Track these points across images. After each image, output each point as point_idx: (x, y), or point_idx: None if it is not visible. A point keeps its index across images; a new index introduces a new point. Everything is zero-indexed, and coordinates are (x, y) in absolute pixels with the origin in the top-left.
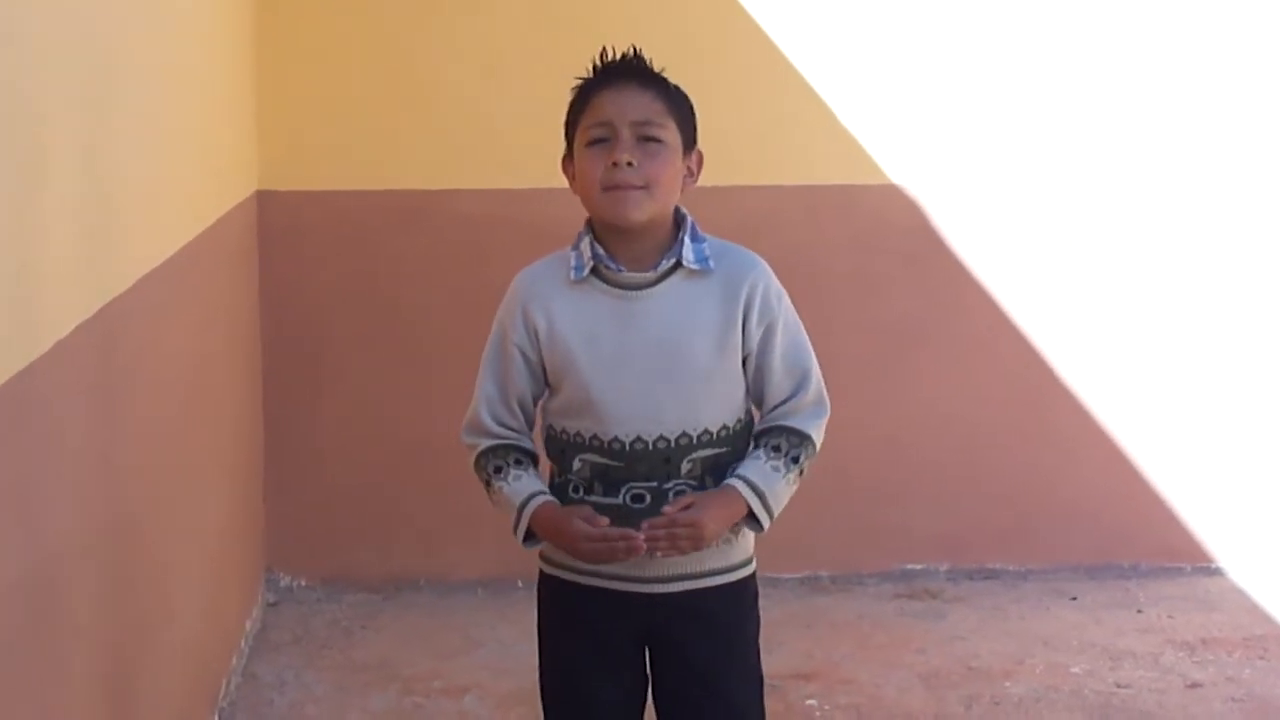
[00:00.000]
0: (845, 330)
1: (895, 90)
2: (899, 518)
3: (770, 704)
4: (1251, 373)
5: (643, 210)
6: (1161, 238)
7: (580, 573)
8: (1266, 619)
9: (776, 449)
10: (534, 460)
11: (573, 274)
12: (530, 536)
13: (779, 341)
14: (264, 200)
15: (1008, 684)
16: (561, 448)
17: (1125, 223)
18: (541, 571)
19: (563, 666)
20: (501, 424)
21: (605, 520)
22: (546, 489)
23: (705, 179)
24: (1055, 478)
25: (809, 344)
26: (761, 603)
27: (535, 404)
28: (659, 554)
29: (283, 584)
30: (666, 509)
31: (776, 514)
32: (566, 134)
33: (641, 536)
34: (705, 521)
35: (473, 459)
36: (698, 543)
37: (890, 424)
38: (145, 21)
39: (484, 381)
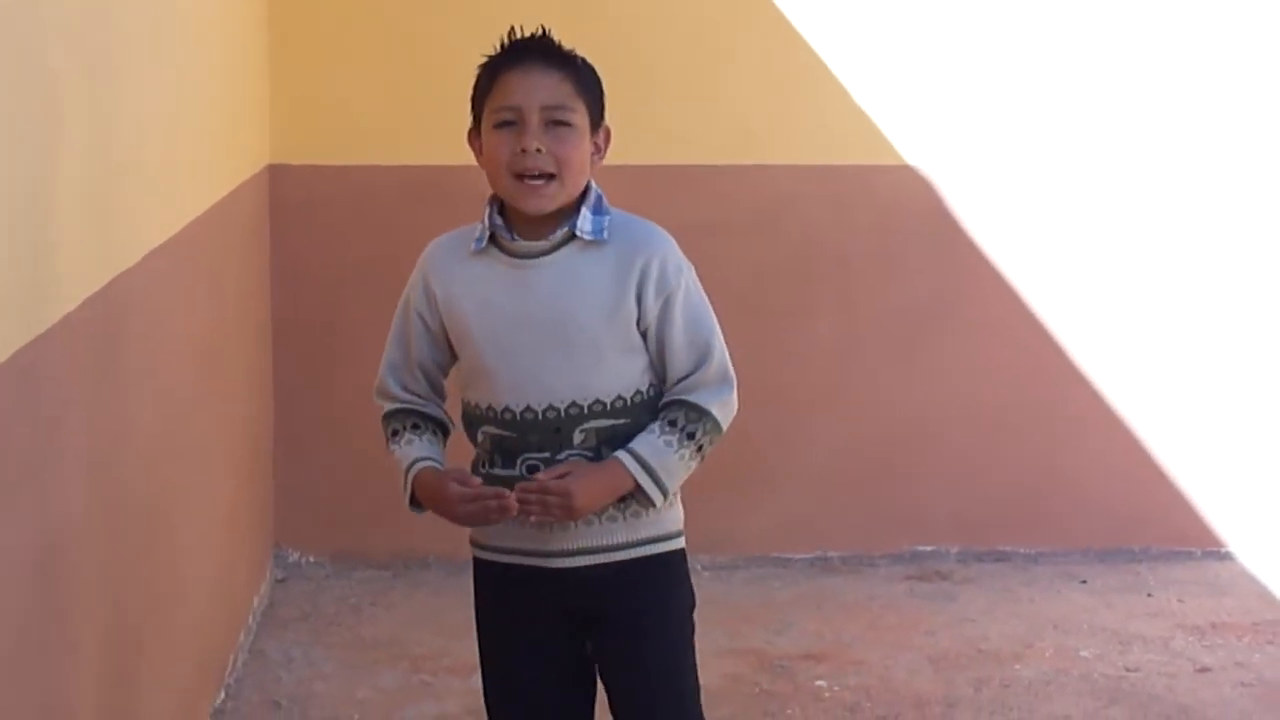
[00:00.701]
0: (863, 311)
1: (911, 71)
2: (910, 499)
3: (779, 684)
4: (1262, 358)
5: (554, 201)
6: (1175, 222)
7: (499, 551)
8: (1276, 604)
9: (672, 423)
10: (435, 427)
11: (474, 245)
12: (416, 503)
13: (679, 315)
14: (276, 174)
15: (1017, 666)
16: (470, 420)
17: (1139, 206)
18: (474, 557)
19: (495, 645)
20: (405, 388)
21: (478, 480)
22: (436, 457)
23: (725, 158)
24: (1067, 461)
25: (713, 318)
26: (773, 583)
27: (444, 373)
28: (532, 519)
29: (291, 560)
30: (539, 475)
31: (670, 489)
32: (473, 109)
33: (512, 497)
34: (576, 490)
35: (380, 419)
36: (569, 512)
37: (903, 405)
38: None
39: (389, 346)
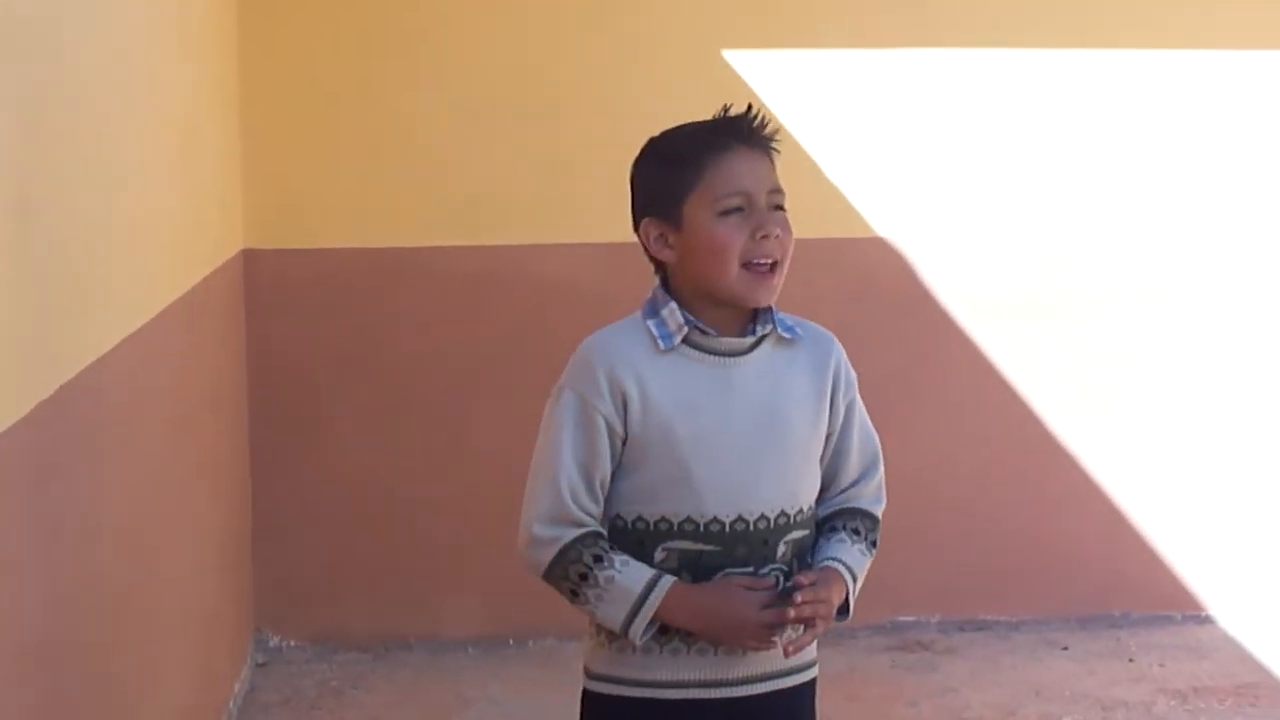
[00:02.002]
0: None
1: (881, 144)
2: (890, 570)
3: None
4: (1239, 423)
5: (775, 291)
6: (1147, 290)
7: (644, 685)
8: (1257, 667)
9: (858, 532)
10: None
11: (661, 343)
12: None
13: (857, 420)
14: (250, 259)
15: None
16: (639, 539)
17: (1111, 275)
18: (588, 691)
19: None
20: (585, 510)
21: (769, 581)
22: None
23: None
24: (1045, 528)
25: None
26: None
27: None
28: (788, 644)
29: (271, 644)
30: (800, 578)
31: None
32: (665, 195)
33: (792, 611)
34: (833, 596)
35: (552, 554)
36: (828, 622)
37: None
38: (132, 79)
39: (561, 459)
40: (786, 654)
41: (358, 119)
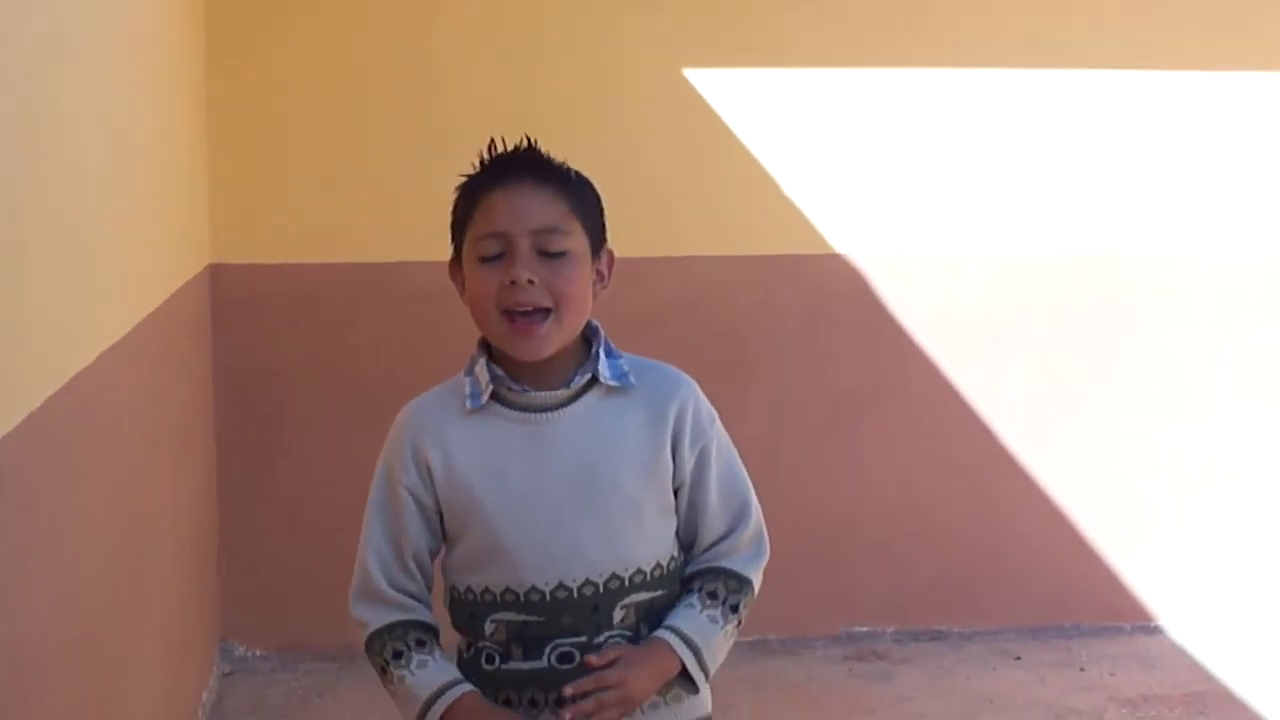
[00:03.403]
0: (796, 397)
1: (840, 162)
2: (845, 581)
3: None
4: (1187, 437)
5: (551, 344)
6: (1100, 306)
7: None
8: (1206, 676)
9: (713, 595)
10: (436, 636)
11: (469, 403)
12: None
13: (714, 470)
14: (217, 273)
15: None
16: (470, 610)
17: (1065, 292)
18: None
19: None
20: (398, 588)
21: None
22: (459, 675)
23: (658, 249)
24: (998, 541)
25: (744, 471)
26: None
27: (433, 560)
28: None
29: (238, 654)
30: (590, 658)
31: (713, 671)
32: (453, 236)
33: (567, 715)
34: (631, 679)
35: (364, 638)
36: (626, 706)
37: (837, 489)
38: (97, 95)
39: (372, 537)
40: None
41: (324, 135)
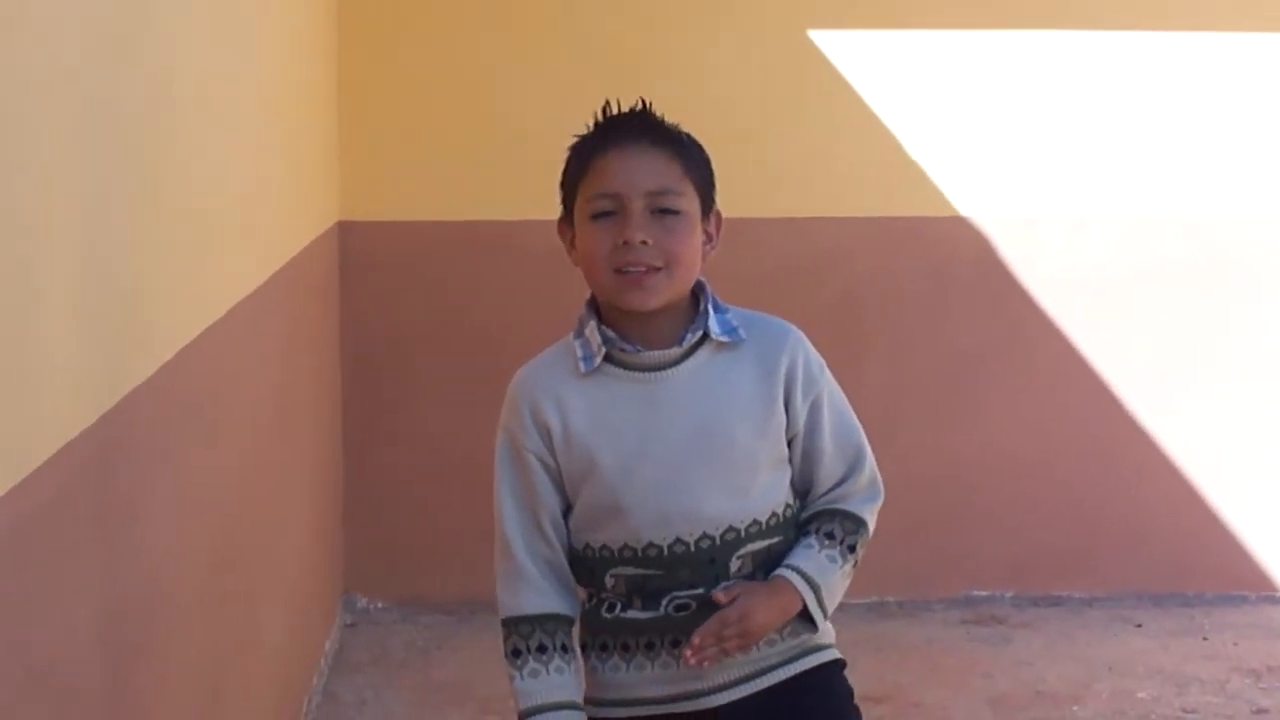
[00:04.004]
0: (915, 360)
1: (964, 124)
2: (966, 544)
3: None
4: None
5: (660, 296)
6: (1227, 267)
7: (623, 704)
8: None
9: (830, 535)
10: (565, 632)
11: (582, 365)
12: None
13: (827, 418)
14: (345, 230)
15: (1075, 708)
16: (590, 566)
17: (1191, 252)
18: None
19: None
20: (538, 557)
21: None
22: (571, 696)
23: (779, 209)
24: (1121, 506)
25: (855, 418)
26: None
27: (567, 523)
28: (706, 664)
29: (360, 606)
30: (716, 594)
31: (831, 610)
32: (563, 196)
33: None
34: (751, 613)
35: (500, 619)
36: (746, 639)
37: (957, 453)
38: (231, 56)
39: (505, 507)
40: (689, 664)
41: (451, 95)
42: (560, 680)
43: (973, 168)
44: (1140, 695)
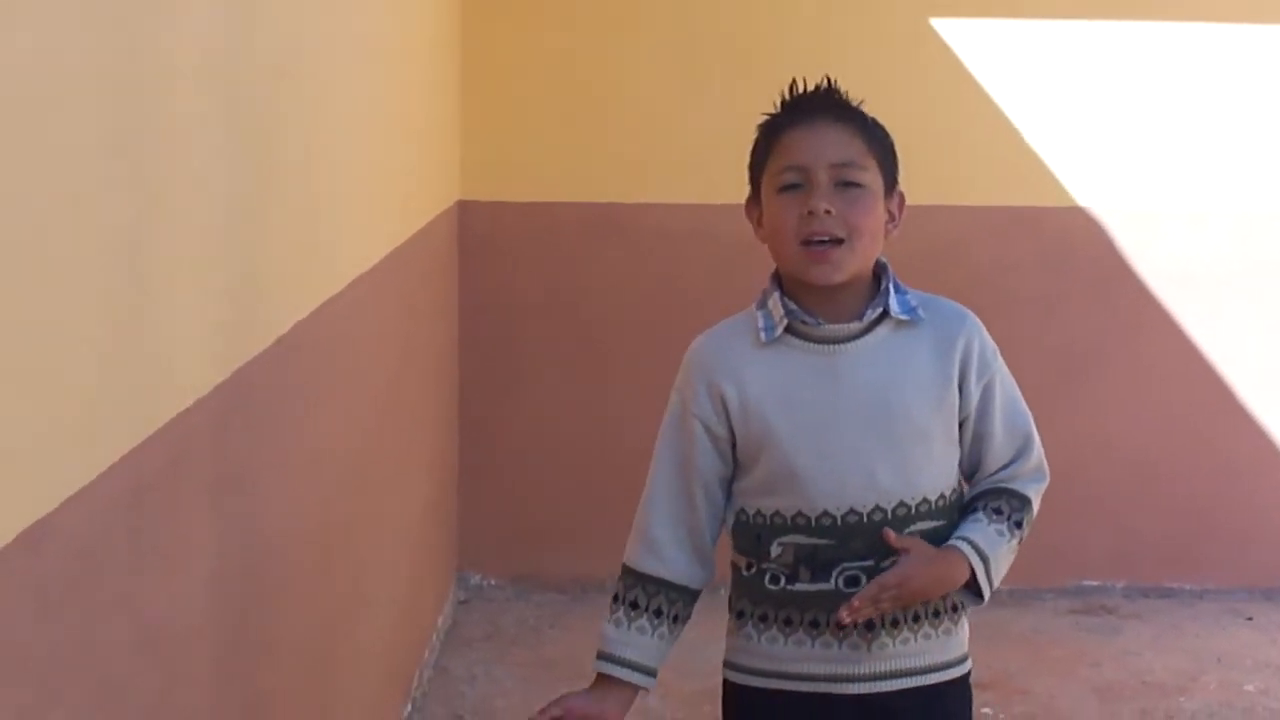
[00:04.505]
0: (1028, 350)
1: (1084, 115)
2: (1076, 535)
3: None
4: None
5: (844, 270)
6: None
7: (775, 676)
8: None
9: (998, 511)
10: (662, 597)
11: (763, 335)
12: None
13: (998, 402)
14: (465, 209)
15: (1182, 699)
16: (757, 533)
17: None
18: (727, 681)
19: None
20: (676, 521)
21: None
22: (648, 663)
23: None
24: (1233, 498)
25: (1025, 405)
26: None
27: (726, 492)
28: (858, 621)
29: (473, 583)
30: (889, 533)
31: (996, 584)
32: (751, 176)
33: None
34: (911, 578)
35: (622, 567)
36: (901, 602)
37: (1071, 443)
38: (358, 42)
39: (659, 468)
40: (842, 621)
41: (570, 80)
42: (638, 640)
43: (1092, 159)
44: (1247, 688)
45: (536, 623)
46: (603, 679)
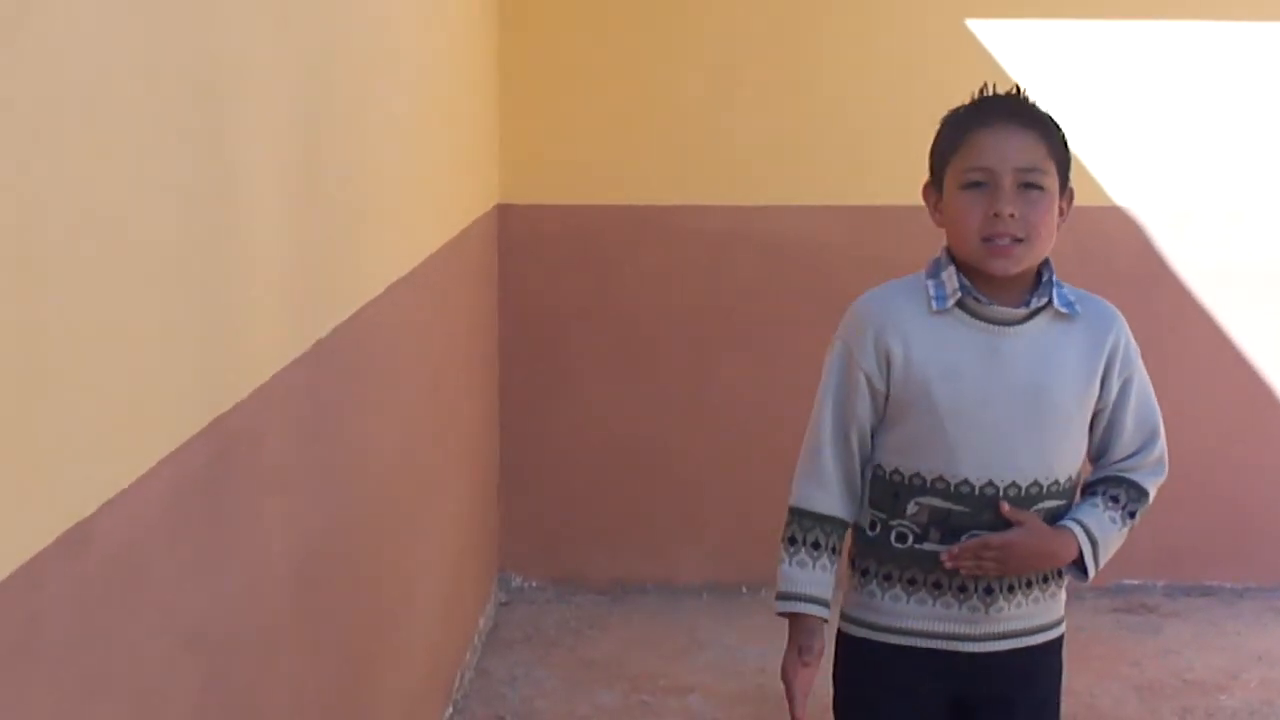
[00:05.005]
0: None
1: (1121, 115)
2: None
3: None
4: None
5: (1020, 265)
6: None
7: (895, 632)
8: None
9: (1115, 499)
10: (840, 537)
11: (934, 304)
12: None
13: (1134, 398)
14: (504, 213)
15: (1222, 697)
16: (895, 490)
17: None
18: (842, 633)
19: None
20: (839, 461)
21: (804, 713)
22: (824, 595)
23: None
24: (1273, 497)
25: (1157, 405)
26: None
27: (872, 440)
28: (962, 569)
29: (514, 584)
30: (1004, 504)
31: (1101, 566)
32: (934, 164)
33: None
34: (1015, 549)
35: (789, 505)
36: (1000, 569)
37: None
38: (399, 46)
39: (823, 412)
40: (944, 563)
41: (608, 82)
42: (822, 578)
43: (1128, 158)
44: None
45: (577, 624)
46: (799, 619)
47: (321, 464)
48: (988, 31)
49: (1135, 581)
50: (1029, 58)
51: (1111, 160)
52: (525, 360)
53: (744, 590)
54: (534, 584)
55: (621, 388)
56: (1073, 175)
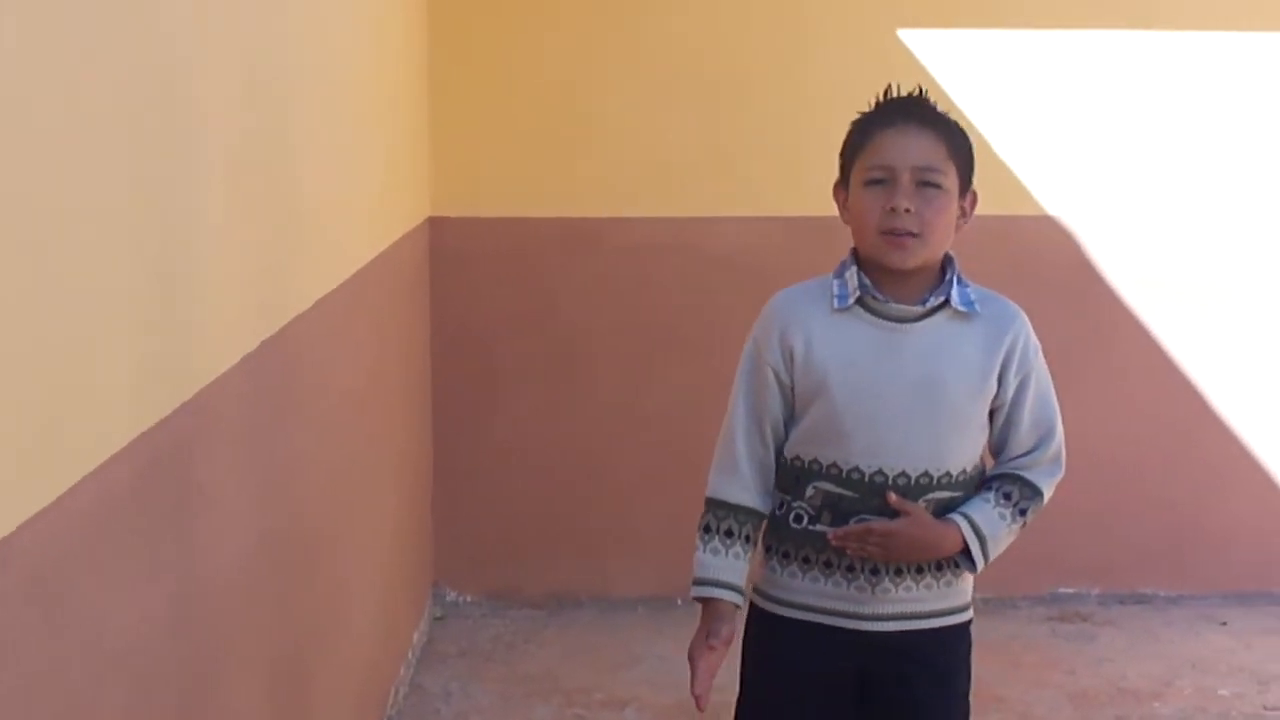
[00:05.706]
0: None
1: (1052, 124)
2: (1052, 542)
3: None
4: None
5: (916, 259)
6: None
7: (794, 606)
8: None
9: (1007, 496)
10: (754, 527)
11: (836, 302)
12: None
13: (1031, 395)
14: (436, 225)
15: (1156, 704)
16: (796, 475)
17: (1275, 249)
18: (753, 605)
19: (766, 701)
20: (752, 456)
21: (705, 692)
22: (735, 580)
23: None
24: (1208, 505)
25: (1056, 402)
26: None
27: (785, 432)
28: (848, 551)
29: (449, 599)
30: (891, 495)
31: (991, 559)
32: (842, 164)
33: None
34: (897, 538)
35: (705, 496)
36: (885, 552)
37: None
38: (325, 56)
39: (737, 407)
40: (832, 541)
41: (540, 94)
42: (734, 565)
43: (1061, 167)
44: (1222, 693)
45: (512, 638)
46: (711, 603)
47: (251, 479)
48: (920, 42)
49: (1070, 590)
50: (961, 68)
51: (1044, 169)
52: (458, 374)
53: (679, 603)
54: (469, 598)
55: (556, 401)
56: (1001, 183)
